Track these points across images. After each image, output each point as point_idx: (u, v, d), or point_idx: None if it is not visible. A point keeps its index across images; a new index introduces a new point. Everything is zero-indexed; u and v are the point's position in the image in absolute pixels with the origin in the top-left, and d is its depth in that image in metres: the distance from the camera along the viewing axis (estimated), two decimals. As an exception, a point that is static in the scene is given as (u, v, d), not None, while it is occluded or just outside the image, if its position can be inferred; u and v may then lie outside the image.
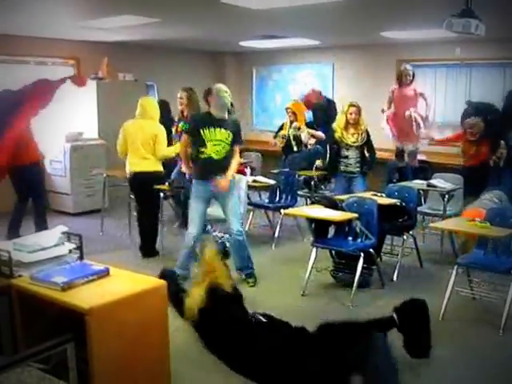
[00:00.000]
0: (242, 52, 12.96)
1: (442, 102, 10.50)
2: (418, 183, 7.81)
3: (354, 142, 7.90)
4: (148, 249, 7.60)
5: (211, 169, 6.33)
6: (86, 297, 3.10)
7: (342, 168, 8.02)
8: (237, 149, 6.45)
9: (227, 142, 6.27)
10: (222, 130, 6.26)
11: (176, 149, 7.44)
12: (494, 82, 9.97)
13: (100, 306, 3.03)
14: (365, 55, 11.54)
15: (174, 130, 8.36)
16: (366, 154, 7.98)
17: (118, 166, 8.16)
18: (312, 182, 9.10)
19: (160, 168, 7.49)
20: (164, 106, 9.60)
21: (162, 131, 7.43)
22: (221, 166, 6.31)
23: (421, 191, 7.68)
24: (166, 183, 7.79)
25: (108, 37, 10.03)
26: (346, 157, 7.96)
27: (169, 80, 11.60)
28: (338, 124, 7.99)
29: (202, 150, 6.26)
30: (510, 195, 7.39)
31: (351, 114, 7.82)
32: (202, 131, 6.23)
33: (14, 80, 8.35)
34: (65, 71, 10.78)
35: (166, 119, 9.46)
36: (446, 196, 7.51)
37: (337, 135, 7.95)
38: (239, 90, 13.18)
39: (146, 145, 7.34)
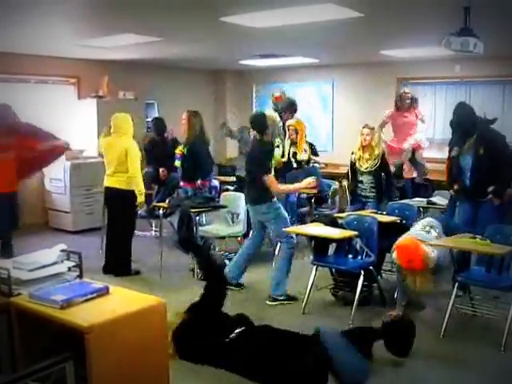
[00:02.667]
0: (242, 70, 13.00)
1: (442, 119, 10.51)
2: (419, 201, 7.80)
3: (366, 168, 7.75)
4: (112, 267, 7.51)
5: None
6: (86, 315, 3.08)
7: (358, 191, 7.91)
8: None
9: None
10: None
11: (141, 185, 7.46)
12: (494, 99, 9.99)
13: (99, 324, 3.01)
14: (365, 73, 11.58)
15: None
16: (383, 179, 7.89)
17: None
18: (312, 200, 9.08)
19: (128, 186, 7.37)
20: (159, 124, 9.65)
21: (132, 146, 7.36)
22: None
23: (421, 209, 7.66)
24: (167, 201, 7.81)
25: (109, 55, 10.07)
26: (361, 182, 7.84)
27: (169, 98, 11.67)
28: (355, 146, 7.88)
29: None
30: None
31: (363, 135, 7.72)
32: None
33: (14, 98, 8.36)
34: (65, 90, 10.84)
35: (161, 135, 9.50)
36: (446, 213, 7.49)
37: (355, 157, 7.85)
38: (239, 108, 13.26)
39: (115, 161, 7.36)
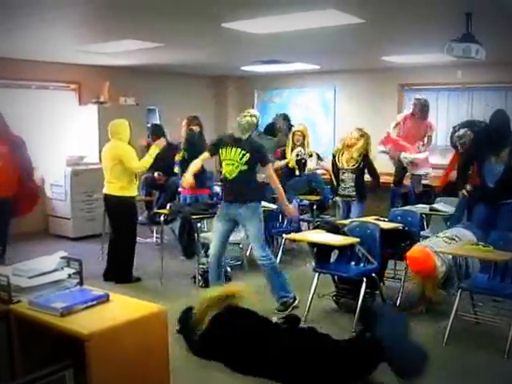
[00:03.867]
0: (244, 76, 12.99)
1: (445, 125, 10.49)
2: (421, 207, 7.76)
3: (348, 166, 7.98)
4: (113, 274, 7.48)
5: (227, 189, 6.44)
6: (86, 323, 3.05)
7: (341, 192, 8.11)
8: (267, 167, 6.34)
9: (241, 162, 6.19)
10: (238, 149, 6.22)
11: (147, 161, 7.47)
12: (496, 105, 9.95)
13: (100, 331, 2.98)
14: (366, 79, 11.57)
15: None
16: (368, 178, 8.08)
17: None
18: (314, 207, 9.05)
19: (126, 193, 7.34)
20: (157, 130, 9.60)
21: (126, 150, 7.31)
22: (235, 186, 6.30)
23: (424, 215, 7.63)
24: (168, 207, 7.77)
25: (110, 61, 10.06)
26: (343, 180, 8.03)
27: (171, 104, 11.64)
28: (337, 146, 8.12)
29: (221, 169, 6.43)
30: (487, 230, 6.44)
31: (351, 138, 7.91)
32: (220, 150, 6.34)
33: (15, 104, 8.36)
34: (66, 95, 10.83)
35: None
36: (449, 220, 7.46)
37: (335, 159, 8.12)
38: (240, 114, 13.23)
39: (109, 167, 7.35)
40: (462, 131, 8.71)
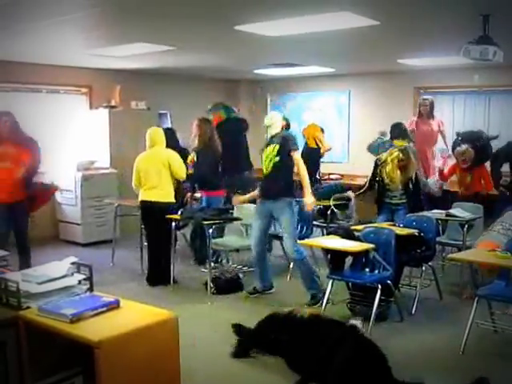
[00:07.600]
0: (257, 80, 12.95)
1: (461, 129, 10.36)
2: (437, 213, 7.63)
3: (397, 183, 7.64)
4: (158, 278, 7.52)
5: (263, 185, 6.93)
6: (96, 329, 3.00)
7: (387, 200, 7.75)
8: (295, 155, 6.69)
9: (273, 155, 6.65)
10: (271, 146, 6.71)
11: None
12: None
13: (110, 338, 2.93)
14: (382, 83, 11.49)
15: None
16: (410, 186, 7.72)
17: (130, 196, 8.13)
18: (328, 212, 8.95)
19: (171, 199, 7.44)
20: (170, 134, 9.53)
21: (172, 154, 7.47)
22: (270, 180, 6.76)
23: (439, 221, 7.51)
24: (179, 213, 7.72)
25: (121, 64, 10.04)
26: (389, 189, 7.70)
27: (182, 108, 11.57)
28: (388, 169, 7.63)
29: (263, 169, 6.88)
30: None
31: (401, 159, 7.58)
32: (262, 155, 6.85)
33: (25, 108, 8.32)
34: (77, 99, 10.81)
35: (174, 147, 9.39)
36: (466, 226, 7.34)
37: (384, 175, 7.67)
38: (254, 118, 13.16)
39: (156, 174, 7.35)
40: (463, 147, 8.60)
